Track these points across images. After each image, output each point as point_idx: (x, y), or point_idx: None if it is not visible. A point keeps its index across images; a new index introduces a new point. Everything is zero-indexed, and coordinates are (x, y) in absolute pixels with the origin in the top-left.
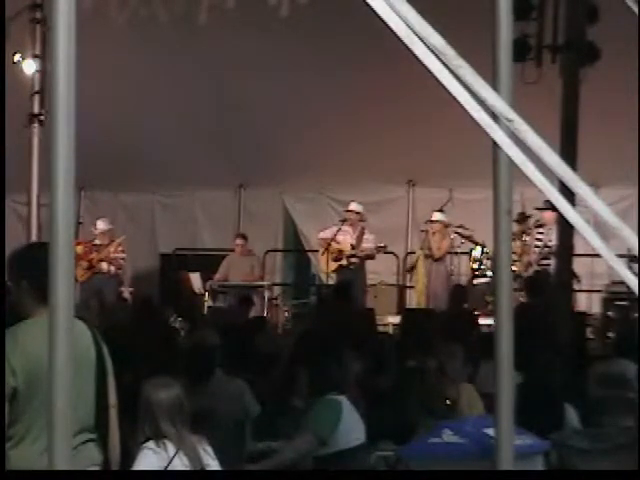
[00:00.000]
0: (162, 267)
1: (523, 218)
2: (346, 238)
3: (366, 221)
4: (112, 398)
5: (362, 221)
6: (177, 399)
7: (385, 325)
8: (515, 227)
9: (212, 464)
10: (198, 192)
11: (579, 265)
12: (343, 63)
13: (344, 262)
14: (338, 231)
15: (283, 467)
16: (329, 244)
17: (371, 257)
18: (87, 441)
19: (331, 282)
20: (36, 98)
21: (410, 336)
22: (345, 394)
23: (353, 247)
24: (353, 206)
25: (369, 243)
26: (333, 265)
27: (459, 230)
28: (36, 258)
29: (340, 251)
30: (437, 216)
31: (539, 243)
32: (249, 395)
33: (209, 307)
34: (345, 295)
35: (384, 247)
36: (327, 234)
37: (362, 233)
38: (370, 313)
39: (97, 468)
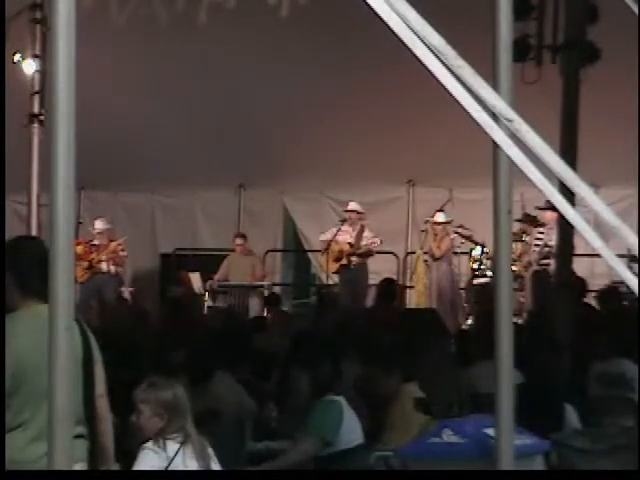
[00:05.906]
0: (162, 267)
1: (528, 219)
2: (345, 238)
3: (365, 220)
4: (100, 388)
5: (362, 220)
6: (186, 399)
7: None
8: (517, 227)
9: (213, 467)
10: (198, 192)
11: (579, 265)
12: (343, 63)
13: (344, 261)
14: (338, 231)
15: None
16: (329, 245)
17: (370, 254)
18: (75, 437)
19: (331, 282)
20: (36, 98)
21: (410, 336)
22: (343, 394)
23: (351, 245)
24: (352, 205)
25: (368, 241)
26: (334, 266)
27: (459, 230)
28: (22, 252)
29: (340, 251)
30: (440, 217)
31: (539, 242)
32: (248, 395)
33: (209, 307)
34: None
35: (381, 242)
36: (327, 236)
37: (361, 231)
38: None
39: (81, 465)
